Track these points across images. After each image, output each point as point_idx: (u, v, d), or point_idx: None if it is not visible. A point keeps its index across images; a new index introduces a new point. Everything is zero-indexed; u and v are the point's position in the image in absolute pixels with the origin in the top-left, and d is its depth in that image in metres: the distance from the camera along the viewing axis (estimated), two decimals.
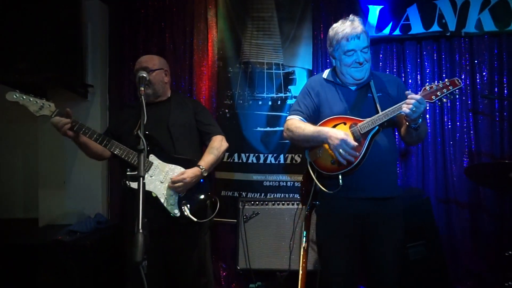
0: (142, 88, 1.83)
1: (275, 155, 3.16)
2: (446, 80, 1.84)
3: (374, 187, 1.89)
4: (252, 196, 3.11)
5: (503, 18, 3.03)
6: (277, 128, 3.17)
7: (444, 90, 1.80)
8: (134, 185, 1.86)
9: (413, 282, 2.42)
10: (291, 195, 3.07)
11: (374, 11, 3.12)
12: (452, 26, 3.06)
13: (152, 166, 2.03)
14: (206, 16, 3.32)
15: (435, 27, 3.07)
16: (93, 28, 3.22)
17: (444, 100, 1.82)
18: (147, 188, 1.88)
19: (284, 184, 3.14)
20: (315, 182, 1.94)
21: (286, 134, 2.09)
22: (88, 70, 3.21)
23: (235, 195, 3.15)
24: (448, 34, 3.06)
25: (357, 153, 1.80)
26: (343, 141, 1.77)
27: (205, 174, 2.08)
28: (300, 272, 2.12)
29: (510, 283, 2.05)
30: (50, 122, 1.93)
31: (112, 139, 2.00)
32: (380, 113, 1.84)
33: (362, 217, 1.91)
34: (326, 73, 2.09)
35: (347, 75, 1.95)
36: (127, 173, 1.91)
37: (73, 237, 2.70)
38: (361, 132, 1.83)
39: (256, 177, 3.16)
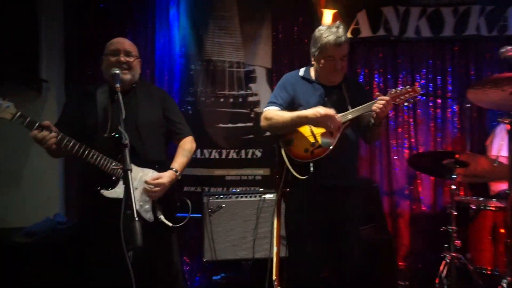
0: (118, 85, 1.76)
1: (236, 150, 3.31)
2: (408, 86, 2.07)
3: (341, 176, 2.07)
4: (215, 190, 3.22)
5: (437, 25, 3.43)
6: (239, 125, 3.32)
7: (407, 95, 2.03)
8: (108, 193, 1.83)
9: (365, 262, 2.69)
10: (252, 188, 3.24)
11: (329, 15, 3.36)
12: (395, 31, 3.41)
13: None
14: (168, 12, 3.35)
15: (381, 31, 3.39)
16: (48, 22, 3.12)
17: (406, 103, 2.06)
18: (120, 196, 1.76)
19: (246, 178, 3.31)
20: (286, 170, 2.06)
21: (264, 123, 2.16)
22: (43, 65, 3.11)
23: (197, 190, 3.24)
24: (392, 38, 3.41)
25: (333, 142, 1.97)
26: (326, 115, 1.93)
27: (179, 178, 2.06)
28: (274, 258, 2.22)
29: (444, 254, 2.37)
30: (31, 136, 1.73)
31: (89, 148, 1.84)
32: (353, 109, 2.04)
33: (329, 205, 2.07)
34: (302, 71, 2.23)
35: (324, 78, 2.11)
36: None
37: (31, 239, 2.61)
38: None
39: (218, 172, 3.28)
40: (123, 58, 1.97)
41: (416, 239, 3.35)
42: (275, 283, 2.13)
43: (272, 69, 3.38)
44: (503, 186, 2.84)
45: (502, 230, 2.36)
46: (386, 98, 1.95)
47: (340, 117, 2.00)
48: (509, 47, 1.79)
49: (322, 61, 2.04)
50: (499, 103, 2.23)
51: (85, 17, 3.31)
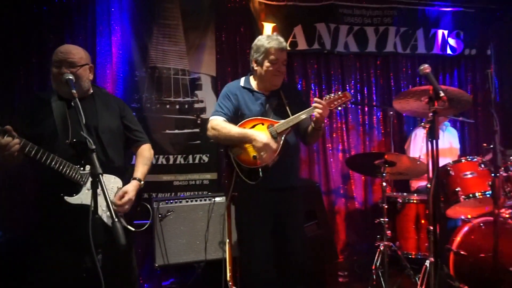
0: (74, 91, 1.75)
1: (184, 155, 3.35)
2: (340, 92, 2.26)
3: (285, 178, 2.24)
4: (163, 196, 3.22)
5: (362, 42, 3.87)
6: (186, 131, 3.37)
7: (339, 101, 2.23)
8: (71, 199, 1.80)
9: (309, 256, 2.92)
10: (200, 192, 3.30)
11: (269, 28, 3.60)
12: (328, 46, 3.77)
13: (90, 179, 1.83)
14: (110, 17, 3.28)
15: (316, 45, 3.72)
16: None
17: (339, 108, 2.29)
18: (84, 202, 1.82)
19: (193, 183, 3.36)
20: (236, 175, 2.17)
21: (211, 133, 2.24)
22: None
23: (144, 196, 3.20)
24: (325, 51, 3.76)
25: (276, 151, 2.13)
26: (266, 145, 2.07)
27: (143, 187, 2.08)
28: (227, 259, 2.31)
29: (378, 243, 2.69)
30: None
31: (52, 154, 1.77)
32: (293, 116, 2.19)
33: (274, 204, 2.22)
34: (242, 81, 2.35)
35: (267, 81, 2.24)
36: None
37: None
38: (278, 132, 2.15)
39: (165, 177, 3.29)
40: (65, 70, 1.90)
41: (351, 233, 3.71)
42: (230, 283, 2.20)
43: (217, 77, 3.50)
44: (421, 183, 3.31)
45: (423, 221, 2.78)
46: (324, 103, 2.13)
47: (283, 123, 2.15)
48: (426, 65, 2.13)
49: (267, 64, 2.16)
50: (419, 111, 2.64)
51: (18, 20, 3.08)
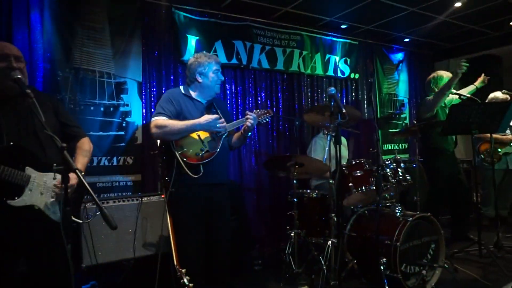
0: (29, 91, 1.77)
1: (108, 157, 3.40)
2: (265, 109, 2.76)
3: (220, 175, 2.58)
4: (86, 198, 3.21)
5: (273, 60, 4.45)
6: (110, 133, 3.43)
7: (266, 115, 2.73)
8: (15, 202, 1.81)
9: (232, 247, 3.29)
10: (124, 193, 3.40)
11: (193, 40, 3.89)
12: (244, 61, 4.23)
13: (30, 179, 1.89)
14: (29, 14, 3.16)
15: (234, 60, 4.15)
16: None
17: (264, 121, 2.73)
18: (28, 202, 1.85)
19: (117, 184, 3.43)
20: (176, 171, 2.41)
21: (155, 131, 2.42)
22: None
23: None
24: (242, 66, 4.22)
25: (217, 147, 2.49)
26: (215, 119, 2.43)
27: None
28: (173, 250, 2.46)
29: (289, 232, 3.21)
30: None
31: None
32: (230, 123, 2.58)
33: (208, 199, 2.53)
34: (182, 89, 2.63)
35: (211, 90, 2.58)
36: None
37: None
38: (217, 135, 2.52)
39: (89, 179, 3.29)
40: (15, 64, 1.93)
41: (259, 228, 4.20)
42: (177, 266, 2.40)
43: (142, 83, 3.64)
44: (318, 181, 3.96)
45: (324, 211, 3.39)
46: (254, 115, 2.60)
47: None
48: (332, 88, 2.71)
49: (212, 75, 2.55)
50: (323, 122, 3.27)
51: None
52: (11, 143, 1.88)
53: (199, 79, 2.56)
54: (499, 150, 4.30)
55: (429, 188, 4.18)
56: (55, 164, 1.77)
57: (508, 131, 4.38)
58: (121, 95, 3.51)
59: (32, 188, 1.90)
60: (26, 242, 1.93)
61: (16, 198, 1.84)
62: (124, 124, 3.51)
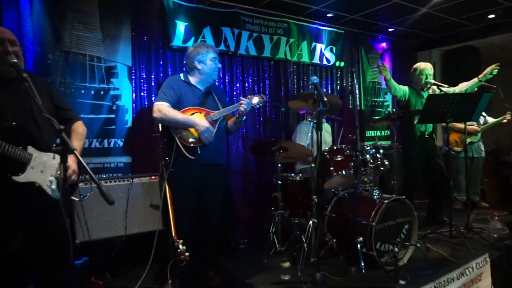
0: (25, 75, 1.85)
1: (99, 139, 3.49)
2: (257, 94, 2.96)
3: (216, 156, 2.78)
4: (80, 178, 3.31)
5: (260, 47, 4.55)
6: (101, 116, 3.51)
7: (258, 101, 2.88)
8: (19, 178, 1.92)
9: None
10: (115, 174, 3.51)
11: (182, 26, 3.96)
12: (232, 48, 4.32)
13: (32, 158, 2.00)
14: None
15: (222, 47, 4.24)
16: None
17: (257, 106, 2.90)
18: (30, 179, 1.96)
19: (108, 166, 3.53)
20: (175, 152, 2.60)
21: (157, 115, 2.61)
22: None
23: None
24: (230, 53, 4.31)
25: (213, 133, 2.65)
26: (208, 128, 2.61)
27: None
28: (172, 224, 2.61)
29: (274, 213, 3.38)
30: None
31: None
32: (225, 108, 2.74)
33: (204, 177, 2.72)
34: (182, 76, 2.80)
35: (209, 76, 2.76)
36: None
37: None
38: (213, 119, 2.69)
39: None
40: (10, 49, 2.00)
41: (244, 210, 4.38)
42: (175, 237, 2.54)
43: (132, 67, 3.71)
44: (302, 166, 4.14)
45: (306, 194, 3.57)
46: (247, 100, 2.78)
47: (217, 113, 2.72)
48: (315, 77, 2.86)
49: (210, 62, 2.76)
50: (307, 109, 3.42)
51: None
52: (14, 123, 1.98)
53: (198, 66, 2.75)
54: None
55: (404, 173, 4.39)
56: (54, 145, 1.88)
57: (475, 122, 4.63)
58: (111, 79, 3.58)
59: (33, 166, 2.00)
60: (26, 217, 2.04)
61: (20, 174, 1.94)
62: (114, 108, 3.59)
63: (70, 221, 3.09)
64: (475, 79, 4.11)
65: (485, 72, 4.02)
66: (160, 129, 2.76)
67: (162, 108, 2.62)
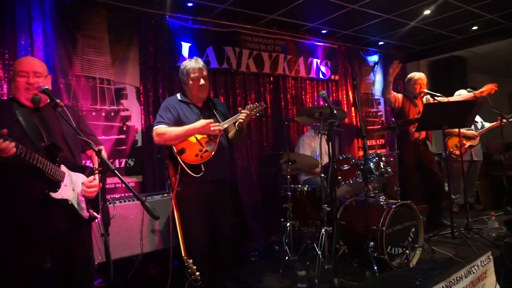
0: (59, 100, 1.99)
1: (111, 160, 3.56)
2: (256, 103, 2.93)
3: (220, 172, 2.79)
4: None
5: (260, 64, 4.72)
6: (112, 137, 3.59)
7: (257, 108, 2.91)
8: (55, 195, 2.00)
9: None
10: (127, 194, 3.57)
11: (186, 47, 4.10)
12: (234, 66, 4.48)
13: (65, 176, 2.09)
14: (31, 23, 3.28)
15: (225, 65, 4.39)
16: None
17: (257, 114, 2.93)
18: (64, 196, 2.03)
19: (120, 185, 3.60)
20: (181, 172, 2.60)
21: (157, 139, 2.65)
22: None
23: None
24: (232, 71, 4.46)
25: (214, 147, 2.67)
26: (207, 125, 2.60)
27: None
28: (181, 243, 2.63)
29: (284, 223, 3.49)
30: None
31: (33, 152, 1.88)
32: (225, 121, 2.77)
33: (210, 194, 2.74)
34: (179, 96, 2.83)
35: (194, 95, 2.74)
36: None
37: None
38: (214, 135, 2.68)
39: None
40: (33, 80, 2.09)
41: (252, 222, 4.46)
42: (185, 257, 2.61)
43: (140, 88, 3.82)
44: (306, 177, 4.27)
45: (314, 203, 3.70)
46: (247, 112, 2.77)
47: (224, 123, 2.75)
48: (324, 91, 3.00)
49: (191, 82, 2.72)
50: (313, 122, 3.57)
51: None
52: (49, 143, 2.07)
53: (185, 85, 2.78)
54: (465, 143, 4.79)
55: (400, 179, 4.52)
56: (95, 166, 1.96)
57: (472, 127, 4.88)
58: (121, 101, 3.68)
59: (66, 184, 2.09)
60: (56, 235, 2.11)
61: (57, 190, 2.02)
62: (124, 128, 3.68)
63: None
64: (472, 95, 4.38)
65: (484, 92, 4.29)
66: (163, 150, 2.78)
67: (160, 131, 2.63)
